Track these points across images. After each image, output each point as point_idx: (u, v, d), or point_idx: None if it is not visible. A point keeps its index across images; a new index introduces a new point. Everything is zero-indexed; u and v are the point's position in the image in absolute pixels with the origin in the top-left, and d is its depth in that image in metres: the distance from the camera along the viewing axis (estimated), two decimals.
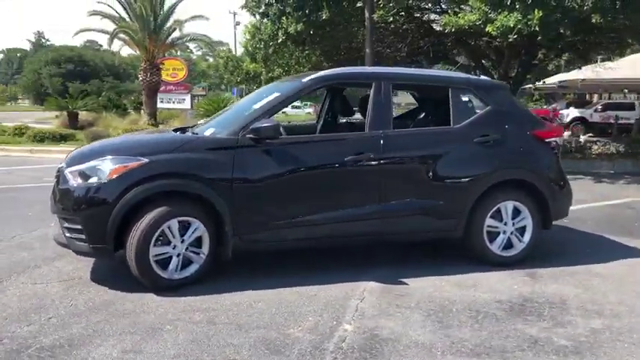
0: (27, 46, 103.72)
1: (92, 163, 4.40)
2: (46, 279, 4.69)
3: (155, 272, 4.32)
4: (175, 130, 5.22)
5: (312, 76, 4.97)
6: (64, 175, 4.48)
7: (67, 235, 4.44)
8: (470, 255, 5.21)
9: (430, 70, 6.74)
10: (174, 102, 33.98)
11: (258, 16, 13.62)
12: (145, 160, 4.33)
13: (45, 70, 63.94)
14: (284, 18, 12.53)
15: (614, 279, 4.86)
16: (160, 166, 4.33)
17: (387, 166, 4.78)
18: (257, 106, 4.81)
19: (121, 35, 27.29)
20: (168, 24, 28.03)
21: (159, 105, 32.05)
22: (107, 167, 4.32)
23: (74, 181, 4.39)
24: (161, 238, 4.33)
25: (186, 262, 4.48)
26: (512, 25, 9.31)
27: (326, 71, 5.15)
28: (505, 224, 5.12)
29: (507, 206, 5.10)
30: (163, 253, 4.35)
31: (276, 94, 4.87)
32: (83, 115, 27.64)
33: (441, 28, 12.94)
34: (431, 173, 4.89)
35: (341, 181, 4.73)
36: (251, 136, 4.49)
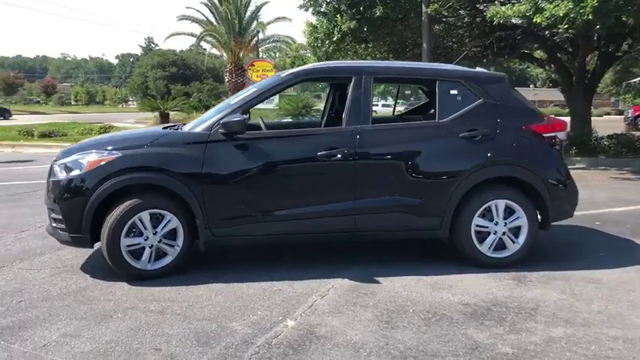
0: (138, 51, 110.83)
1: (75, 156, 4.64)
2: (42, 265, 5.01)
3: (127, 262, 4.49)
4: (165, 128, 5.35)
5: (290, 71, 4.95)
6: (53, 169, 4.76)
7: (53, 225, 4.72)
8: (460, 255, 4.97)
9: (419, 62, 6.43)
10: (263, 102, 34.47)
11: (317, 15, 13.67)
12: (119, 154, 4.51)
13: (151, 74, 67.84)
14: (338, 15, 12.50)
15: (610, 286, 4.45)
16: (130, 160, 4.49)
17: (362, 162, 4.66)
18: (233, 101, 4.87)
19: (208, 38, 28.47)
20: (252, 26, 28.81)
21: None
22: (85, 161, 4.54)
23: (60, 174, 4.64)
24: (134, 229, 4.50)
25: (161, 254, 4.61)
26: (562, 15, 8.71)
27: (304, 66, 5.11)
28: (496, 224, 4.82)
29: (498, 205, 4.80)
30: (136, 244, 4.51)
31: (252, 90, 4.90)
32: (175, 116, 29.12)
33: (516, 21, 12.32)
34: (411, 169, 4.71)
35: (313, 177, 4.67)
36: (222, 130, 4.55)
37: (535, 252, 5.05)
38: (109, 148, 4.61)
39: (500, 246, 4.87)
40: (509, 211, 4.84)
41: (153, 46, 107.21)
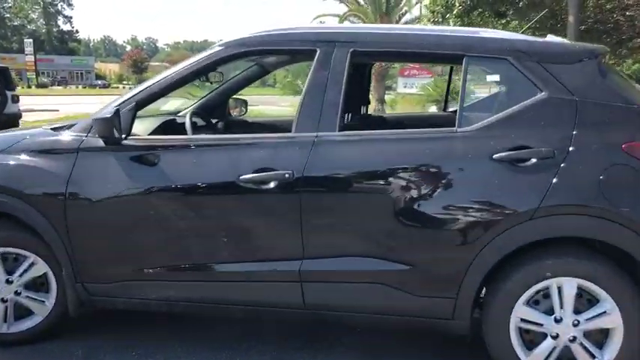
0: None
1: None
2: None
3: None
4: (53, 128, 3.62)
5: (222, 42, 3.12)
6: None
7: None
8: None
9: (437, 27, 3.97)
10: (415, 87, 33.08)
11: None
12: None
13: None
14: None
15: None
16: None
17: (315, 195, 2.74)
18: (138, 88, 3.16)
19: (352, 18, 27.29)
20: (400, 5, 27.07)
21: (401, 89, 31.48)
22: None
23: None
24: None
25: (26, 312, 3.15)
26: None
27: (246, 35, 3.18)
28: (558, 321, 2.62)
29: (564, 286, 2.59)
30: None
31: (168, 72, 3.14)
32: None
33: None
34: (399, 213, 2.67)
35: (234, 216, 2.85)
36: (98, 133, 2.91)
37: None
38: None
39: (565, 359, 2.67)
40: (587, 300, 2.63)
41: None
